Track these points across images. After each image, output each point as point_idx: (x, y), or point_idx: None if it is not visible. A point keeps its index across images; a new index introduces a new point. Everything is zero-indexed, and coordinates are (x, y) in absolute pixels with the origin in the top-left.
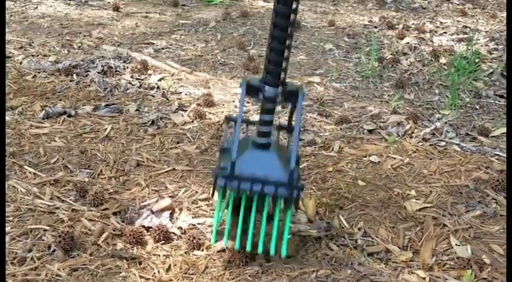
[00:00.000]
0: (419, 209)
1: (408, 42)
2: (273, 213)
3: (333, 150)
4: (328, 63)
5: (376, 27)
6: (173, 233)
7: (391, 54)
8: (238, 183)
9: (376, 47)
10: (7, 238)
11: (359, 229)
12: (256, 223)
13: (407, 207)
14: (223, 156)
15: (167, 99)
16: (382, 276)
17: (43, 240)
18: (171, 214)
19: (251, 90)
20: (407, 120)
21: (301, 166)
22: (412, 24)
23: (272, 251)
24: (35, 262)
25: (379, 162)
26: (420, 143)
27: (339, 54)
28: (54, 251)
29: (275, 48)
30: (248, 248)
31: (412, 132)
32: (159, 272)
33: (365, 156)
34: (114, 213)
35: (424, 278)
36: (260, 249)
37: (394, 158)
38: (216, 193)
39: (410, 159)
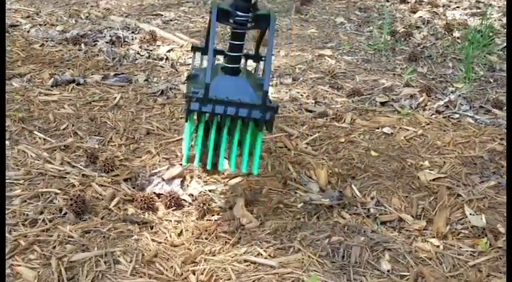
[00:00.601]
0: (433, 179)
1: (421, 16)
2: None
3: (344, 121)
4: (340, 37)
5: (388, 1)
6: (184, 199)
7: (403, 28)
8: (213, 106)
9: (389, 21)
10: (17, 200)
11: (372, 198)
12: (227, 144)
13: (421, 178)
14: (191, 83)
15: (176, 70)
16: (395, 244)
17: (54, 203)
18: (182, 181)
19: (222, 16)
20: (421, 93)
21: (312, 137)
22: None
23: (244, 169)
24: (46, 224)
25: (392, 133)
26: (433, 115)
27: (351, 28)
28: (65, 213)
29: None
30: (220, 167)
31: (425, 105)
32: (171, 236)
33: (377, 128)
34: (125, 180)
35: (438, 246)
36: (232, 168)
37: (407, 130)
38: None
39: (424, 131)
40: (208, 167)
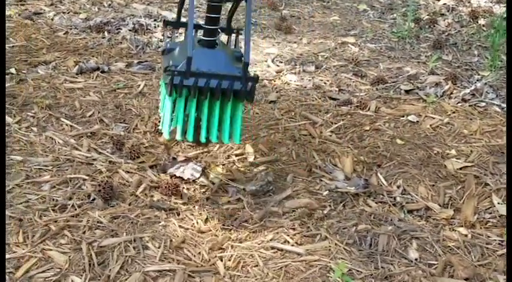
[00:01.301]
0: (460, 168)
1: (445, 3)
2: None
3: (369, 109)
4: (363, 24)
5: None
6: (209, 185)
7: (428, 15)
8: (195, 79)
9: (413, 8)
10: (47, 186)
11: (398, 187)
12: (208, 117)
13: (448, 166)
14: (168, 57)
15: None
16: (423, 233)
17: (82, 189)
18: (206, 168)
19: None
20: (446, 80)
21: (336, 125)
22: None
23: (225, 140)
24: (75, 209)
25: (417, 121)
26: (459, 104)
27: (374, 15)
28: (94, 199)
29: None
30: (202, 139)
31: (451, 93)
32: (197, 222)
33: (403, 116)
34: (151, 167)
35: (466, 235)
36: (214, 139)
37: (433, 118)
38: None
39: (450, 119)
40: (190, 139)
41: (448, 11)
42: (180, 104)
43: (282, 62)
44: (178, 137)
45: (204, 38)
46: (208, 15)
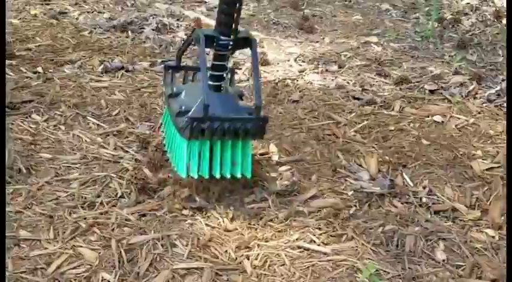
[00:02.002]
0: (487, 169)
1: (469, 3)
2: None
3: (393, 109)
4: (385, 23)
5: None
6: (233, 184)
7: (451, 15)
8: (212, 124)
9: (436, 7)
10: (75, 184)
11: (424, 187)
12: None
13: (474, 167)
14: (176, 101)
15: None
16: (450, 234)
17: (110, 187)
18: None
19: (208, 41)
20: (471, 81)
21: (360, 125)
22: None
23: (238, 175)
24: (104, 207)
25: (442, 122)
26: (485, 104)
27: (396, 14)
28: (122, 197)
29: (227, 1)
30: (216, 175)
31: (476, 93)
32: (223, 221)
33: (428, 116)
34: None
35: (493, 237)
36: (227, 174)
37: (459, 118)
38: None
39: (475, 119)
40: (205, 175)
41: (471, 10)
42: (195, 146)
43: (304, 62)
44: (194, 175)
45: (211, 83)
46: (215, 62)
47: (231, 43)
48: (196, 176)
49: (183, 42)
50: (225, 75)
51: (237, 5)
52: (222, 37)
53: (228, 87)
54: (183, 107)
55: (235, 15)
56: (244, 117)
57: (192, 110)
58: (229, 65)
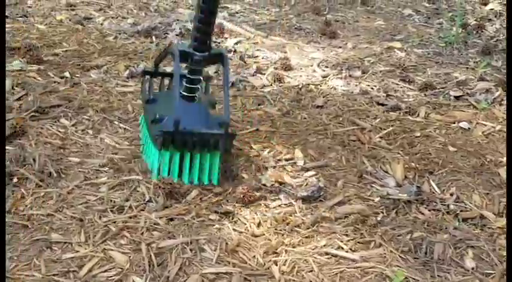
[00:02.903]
0: None
1: (492, 9)
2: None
3: (418, 115)
4: (408, 29)
5: None
6: (260, 189)
7: (475, 21)
8: (182, 138)
9: (460, 13)
10: (104, 187)
11: (451, 194)
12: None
13: (502, 174)
14: (152, 107)
15: (245, 62)
16: (478, 241)
17: (138, 191)
18: (257, 172)
19: (183, 56)
20: (496, 87)
21: (386, 130)
22: None
23: (205, 181)
24: (133, 211)
25: (469, 128)
26: None
27: (419, 20)
28: (149, 201)
29: (203, 20)
30: (185, 180)
31: (502, 100)
32: (250, 226)
33: (453, 123)
34: None
35: None
36: (195, 181)
37: (485, 125)
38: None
39: (502, 126)
40: (174, 177)
41: (495, 16)
42: (167, 154)
43: (327, 67)
44: (165, 175)
45: (185, 93)
46: (189, 76)
47: (204, 59)
48: (166, 176)
49: (162, 50)
50: (199, 86)
51: (211, 24)
52: (197, 53)
53: (201, 96)
54: (157, 115)
55: (210, 30)
56: (213, 132)
57: (165, 121)
58: (205, 73)
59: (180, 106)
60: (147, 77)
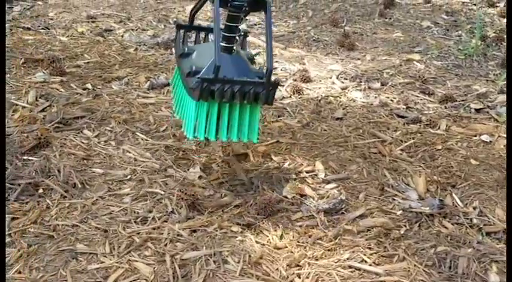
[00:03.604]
0: None
1: None
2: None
3: (439, 128)
4: (427, 41)
5: (475, 4)
6: (281, 201)
7: (494, 33)
8: (222, 86)
9: (479, 25)
10: (128, 199)
11: (474, 208)
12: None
13: None
14: (187, 61)
15: None
16: (502, 256)
17: (161, 202)
18: (278, 184)
19: (221, 1)
20: None
21: (407, 143)
22: None
23: (244, 138)
24: (156, 222)
25: (490, 141)
26: None
27: (438, 32)
28: (172, 212)
29: None
30: (223, 137)
31: None
32: (273, 238)
33: (475, 136)
34: (221, 183)
35: None
36: (234, 138)
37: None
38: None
39: None
40: (212, 138)
41: None
42: (204, 107)
43: (346, 79)
44: (200, 136)
45: (223, 44)
46: (228, 23)
47: (245, 5)
48: (202, 138)
49: (197, 1)
50: (237, 37)
51: None
52: None
53: (239, 50)
54: (194, 67)
55: None
56: (254, 80)
57: (203, 70)
58: (243, 27)
59: (219, 57)
60: (181, 30)
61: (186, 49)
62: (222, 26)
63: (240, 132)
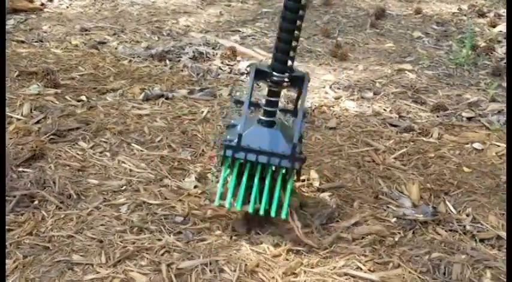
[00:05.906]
0: None
1: (501, 31)
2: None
3: (432, 136)
4: (418, 51)
5: (465, 15)
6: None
7: (484, 42)
8: (245, 153)
9: (470, 35)
10: (123, 209)
11: (467, 215)
12: (258, 190)
13: None
14: (229, 132)
15: (258, 84)
16: (496, 262)
17: (156, 213)
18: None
19: (260, 75)
20: None
21: (400, 151)
22: (503, 12)
23: (273, 213)
24: (151, 232)
25: (482, 149)
26: None
27: (429, 42)
28: (167, 221)
29: (284, 39)
30: (250, 209)
31: None
32: (268, 247)
33: (467, 144)
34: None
35: None
36: (261, 211)
37: (498, 146)
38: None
39: None
40: (238, 207)
41: (504, 38)
42: (233, 174)
43: (339, 89)
44: (227, 203)
45: (262, 117)
46: (268, 98)
47: (285, 80)
48: (228, 205)
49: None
50: (277, 110)
51: (291, 42)
52: (275, 73)
53: (286, 126)
54: (228, 137)
55: (291, 52)
56: (279, 153)
57: (234, 140)
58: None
59: (252, 128)
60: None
61: (232, 121)
62: (263, 101)
63: (268, 205)
